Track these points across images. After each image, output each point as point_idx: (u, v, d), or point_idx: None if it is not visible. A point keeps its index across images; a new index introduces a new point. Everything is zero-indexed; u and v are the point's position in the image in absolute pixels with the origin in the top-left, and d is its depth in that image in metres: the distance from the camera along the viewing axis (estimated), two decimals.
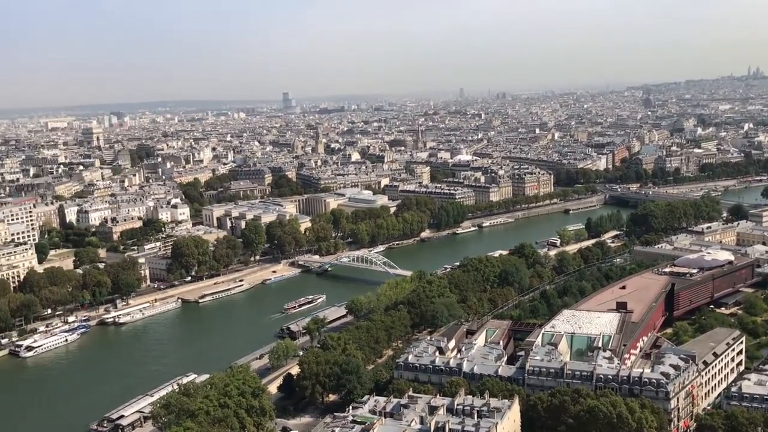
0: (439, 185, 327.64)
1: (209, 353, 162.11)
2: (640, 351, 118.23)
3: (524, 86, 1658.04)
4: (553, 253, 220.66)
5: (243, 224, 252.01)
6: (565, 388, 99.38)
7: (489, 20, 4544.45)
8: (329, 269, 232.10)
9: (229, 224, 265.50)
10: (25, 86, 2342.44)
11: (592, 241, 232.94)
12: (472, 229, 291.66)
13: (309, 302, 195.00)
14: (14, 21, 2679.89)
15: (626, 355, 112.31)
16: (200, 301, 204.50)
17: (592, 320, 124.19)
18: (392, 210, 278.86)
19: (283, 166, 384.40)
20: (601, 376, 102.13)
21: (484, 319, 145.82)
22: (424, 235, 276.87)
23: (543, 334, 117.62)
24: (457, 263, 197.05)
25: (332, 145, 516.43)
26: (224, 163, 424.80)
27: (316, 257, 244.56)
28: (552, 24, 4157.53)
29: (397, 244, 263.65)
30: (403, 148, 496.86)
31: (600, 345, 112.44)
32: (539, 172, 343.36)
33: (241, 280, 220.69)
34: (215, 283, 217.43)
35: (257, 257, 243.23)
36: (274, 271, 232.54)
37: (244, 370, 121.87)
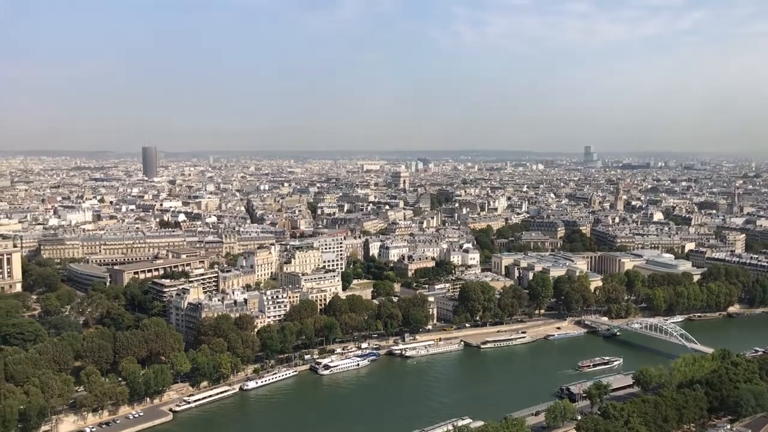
0: (755, 256, 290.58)
1: (485, 400, 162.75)
2: None
3: None
4: None
5: (531, 275, 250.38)
6: None
7: None
8: (618, 333, 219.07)
9: (516, 274, 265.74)
10: (347, 131, 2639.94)
11: None
12: None
13: (605, 363, 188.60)
14: (338, 75, 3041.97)
15: None
16: (482, 346, 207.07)
17: None
18: (696, 278, 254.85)
19: (577, 220, 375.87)
20: None
21: None
22: (732, 310, 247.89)
23: None
24: None
25: (633, 203, 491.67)
26: (518, 213, 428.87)
27: (605, 319, 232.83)
28: None
29: (699, 317, 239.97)
30: (714, 211, 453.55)
31: None
32: None
33: (523, 332, 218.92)
34: (498, 331, 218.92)
35: (542, 311, 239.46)
36: (558, 328, 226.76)
37: (519, 424, 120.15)
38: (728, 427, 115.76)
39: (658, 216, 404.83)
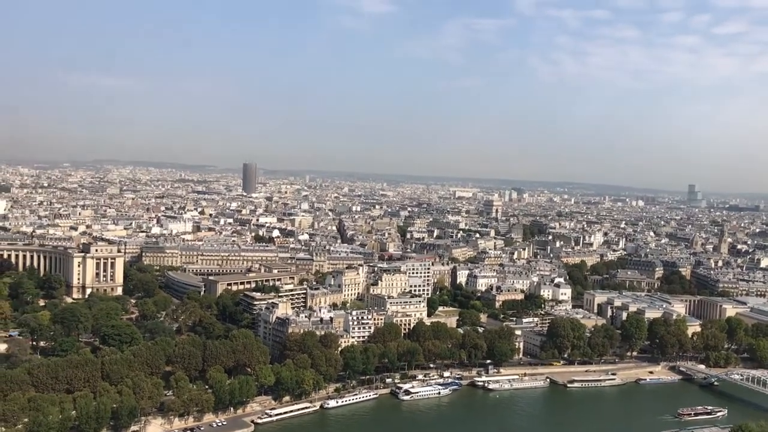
0: None
1: None
2: None
3: None
4: None
5: (624, 315, 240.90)
6: None
7: None
8: (715, 383, 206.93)
9: (609, 313, 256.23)
10: (440, 157, 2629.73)
11: None
12: None
13: (707, 413, 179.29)
14: (434, 101, 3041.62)
15: None
16: (568, 385, 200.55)
17: None
18: None
19: (677, 261, 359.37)
20: None
21: None
22: None
23: None
24: None
25: (738, 246, 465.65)
26: (614, 250, 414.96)
27: (702, 367, 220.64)
28: None
29: None
30: None
31: None
32: None
33: (613, 374, 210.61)
34: (586, 371, 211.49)
35: (634, 353, 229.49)
36: (650, 372, 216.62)
37: None
38: None
39: (766, 262, 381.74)
